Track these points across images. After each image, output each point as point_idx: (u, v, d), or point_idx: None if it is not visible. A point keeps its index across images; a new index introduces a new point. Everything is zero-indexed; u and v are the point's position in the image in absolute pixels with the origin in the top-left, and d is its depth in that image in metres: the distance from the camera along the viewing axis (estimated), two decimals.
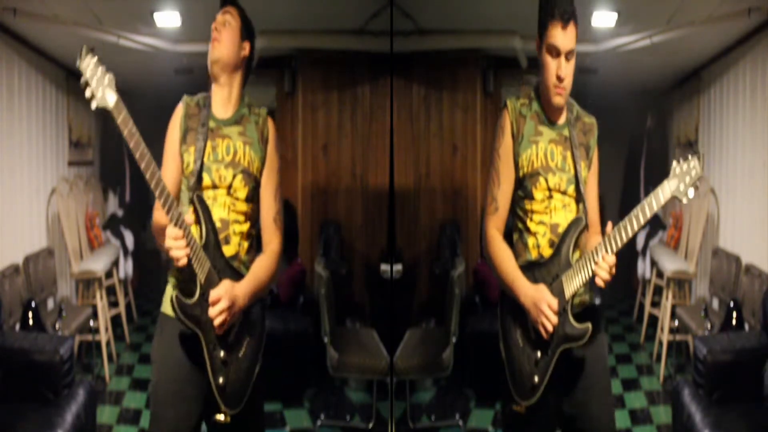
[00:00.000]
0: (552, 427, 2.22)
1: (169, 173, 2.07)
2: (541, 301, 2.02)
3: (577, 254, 2.14)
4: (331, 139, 5.29)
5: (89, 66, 1.69)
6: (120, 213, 6.18)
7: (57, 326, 4.03)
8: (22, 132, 4.44)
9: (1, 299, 3.50)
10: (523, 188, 2.15)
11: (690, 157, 2.01)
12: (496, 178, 2.17)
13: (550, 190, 2.12)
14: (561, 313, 2.04)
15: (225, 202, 2.06)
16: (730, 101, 4.71)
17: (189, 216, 1.94)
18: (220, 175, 2.05)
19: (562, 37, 2.04)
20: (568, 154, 2.14)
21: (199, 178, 2.03)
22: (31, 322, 3.77)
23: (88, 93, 1.68)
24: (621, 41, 4.62)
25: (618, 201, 6.71)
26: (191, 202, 2.01)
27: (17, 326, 3.78)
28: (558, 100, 2.10)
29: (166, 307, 2.07)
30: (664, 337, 4.69)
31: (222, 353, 1.98)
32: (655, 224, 5.81)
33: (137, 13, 4.19)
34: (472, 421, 4.05)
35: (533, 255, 2.14)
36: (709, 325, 4.18)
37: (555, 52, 2.05)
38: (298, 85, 5.31)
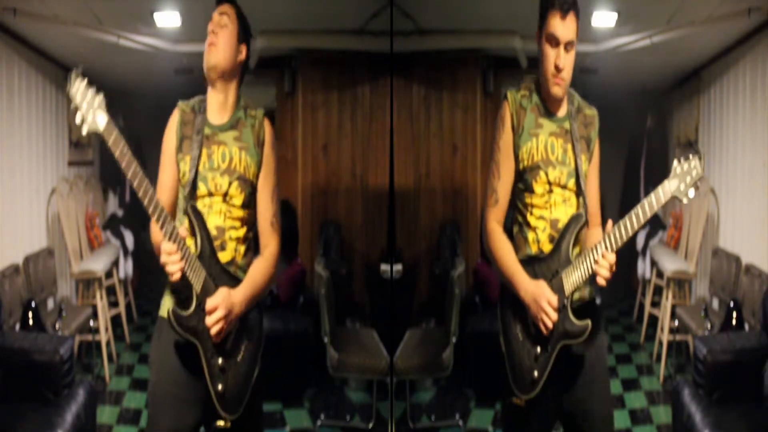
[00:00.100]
0: (551, 422, 2.22)
1: (166, 182, 2.07)
2: (541, 297, 2.03)
3: (576, 250, 2.14)
4: (331, 139, 5.29)
5: (79, 90, 1.73)
6: (120, 213, 6.18)
7: (57, 326, 4.03)
8: (22, 132, 4.43)
9: (1, 299, 3.50)
10: (523, 181, 2.15)
11: (691, 156, 2.01)
12: (497, 171, 2.17)
13: (550, 184, 2.12)
14: (561, 309, 2.05)
15: (221, 210, 2.05)
16: (730, 101, 4.71)
17: (183, 229, 1.94)
18: (216, 184, 2.05)
19: (562, 26, 2.04)
20: (569, 147, 2.14)
21: (194, 187, 2.03)
22: (31, 322, 3.77)
23: (78, 118, 1.72)
24: (621, 41, 4.62)
25: (618, 201, 6.71)
26: (185, 212, 2.01)
27: (17, 326, 3.78)
28: (556, 90, 2.10)
29: (164, 311, 2.06)
30: (664, 337, 4.69)
31: (220, 360, 1.98)
32: (655, 224, 5.80)
33: (137, 13, 4.19)
34: (472, 421, 4.05)
35: (533, 249, 2.14)
36: (709, 325, 4.17)
37: (554, 42, 2.05)
38: (298, 85, 5.31)
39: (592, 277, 2.04)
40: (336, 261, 4.96)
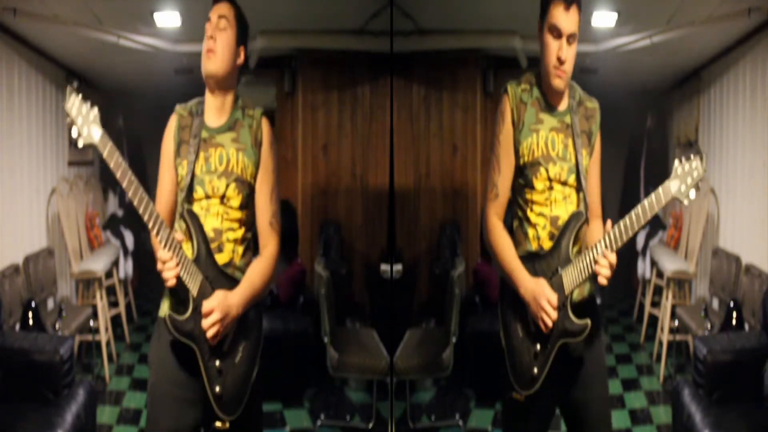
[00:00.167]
0: (549, 417, 2.23)
1: (166, 187, 2.08)
2: (540, 296, 2.03)
3: (576, 247, 2.14)
4: (331, 139, 5.29)
5: (74, 105, 1.79)
6: (120, 213, 6.18)
7: (57, 326, 4.03)
8: (22, 132, 4.43)
9: (1, 299, 3.50)
10: (523, 176, 2.14)
11: (692, 157, 1.99)
12: (497, 165, 2.16)
13: (550, 180, 2.11)
14: (560, 308, 2.05)
15: (218, 212, 2.05)
16: (730, 101, 4.71)
17: (179, 234, 1.95)
18: (213, 186, 2.05)
19: (565, 17, 2.02)
20: (570, 142, 2.13)
21: (191, 191, 2.04)
22: (31, 322, 3.77)
23: (74, 132, 1.78)
24: (621, 41, 4.62)
25: (618, 201, 6.71)
26: (181, 216, 2.02)
27: (17, 326, 3.78)
28: (558, 82, 2.08)
29: (164, 312, 2.06)
30: (664, 337, 4.69)
31: (217, 362, 1.98)
32: (655, 224, 5.81)
33: (137, 13, 4.19)
34: (472, 421, 4.05)
35: (533, 246, 2.13)
36: (709, 325, 4.17)
37: (556, 33, 2.03)
38: (298, 85, 5.31)
39: (593, 276, 2.04)
40: (336, 261, 4.97)
